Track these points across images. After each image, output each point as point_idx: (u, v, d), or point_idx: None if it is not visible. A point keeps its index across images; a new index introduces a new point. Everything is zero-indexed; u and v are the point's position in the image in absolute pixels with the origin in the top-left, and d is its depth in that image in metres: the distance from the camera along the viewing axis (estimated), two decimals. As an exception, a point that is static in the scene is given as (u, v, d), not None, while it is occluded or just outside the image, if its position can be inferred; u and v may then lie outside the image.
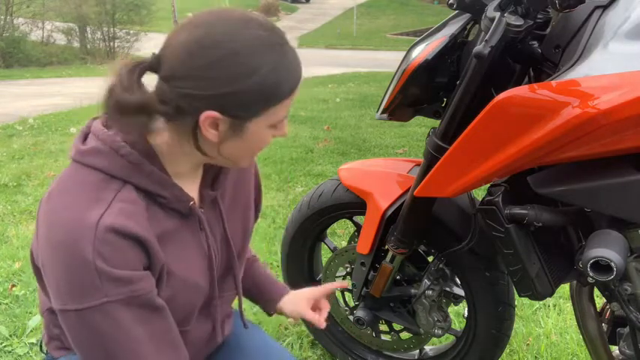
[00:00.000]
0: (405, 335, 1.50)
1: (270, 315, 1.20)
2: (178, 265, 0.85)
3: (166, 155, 0.83)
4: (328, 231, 1.73)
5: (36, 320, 1.87)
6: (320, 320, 1.15)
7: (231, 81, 0.74)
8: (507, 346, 1.51)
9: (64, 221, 0.75)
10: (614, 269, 0.87)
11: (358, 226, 1.49)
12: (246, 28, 0.76)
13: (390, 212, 1.29)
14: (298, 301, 1.16)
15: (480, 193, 1.27)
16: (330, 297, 1.59)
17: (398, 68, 1.16)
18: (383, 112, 1.23)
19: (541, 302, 1.97)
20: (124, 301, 0.76)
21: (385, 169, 1.38)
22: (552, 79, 0.88)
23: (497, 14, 0.94)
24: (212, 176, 0.93)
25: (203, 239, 0.91)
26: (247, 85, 0.75)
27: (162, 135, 0.81)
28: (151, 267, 0.81)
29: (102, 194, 0.77)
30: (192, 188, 0.90)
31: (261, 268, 1.21)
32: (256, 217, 1.09)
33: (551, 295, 1.09)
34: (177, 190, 0.84)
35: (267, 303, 1.18)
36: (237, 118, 0.78)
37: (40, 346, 1.03)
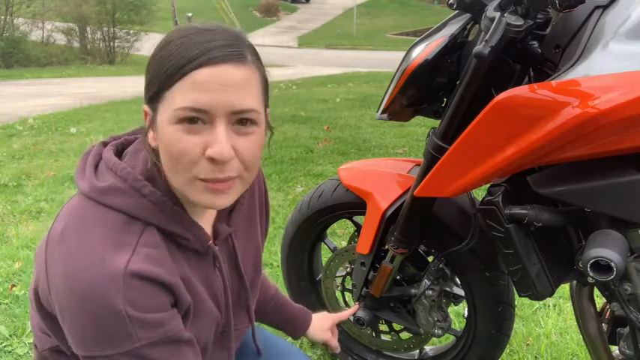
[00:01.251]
0: (405, 335, 1.50)
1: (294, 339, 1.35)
2: (194, 304, 0.82)
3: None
4: (328, 231, 1.73)
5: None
6: (337, 345, 1.37)
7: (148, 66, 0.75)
8: (507, 346, 1.51)
9: (87, 269, 0.69)
10: (614, 269, 0.87)
11: (358, 226, 1.49)
12: (196, 32, 0.73)
13: (390, 212, 1.29)
14: (324, 330, 1.33)
15: (480, 193, 1.27)
16: (331, 296, 1.59)
17: (398, 68, 1.16)
18: (383, 112, 1.23)
19: (541, 302, 1.97)
20: (157, 342, 0.73)
21: (385, 169, 1.38)
22: (552, 79, 0.88)
23: (497, 14, 0.93)
24: (227, 211, 0.91)
25: (217, 276, 0.88)
26: (150, 64, 0.74)
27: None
28: (177, 306, 0.78)
29: (124, 238, 0.72)
30: (206, 224, 0.87)
31: (280, 297, 1.27)
32: (262, 243, 1.07)
33: (551, 295, 1.08)
34: (199, 229, 0.81)
35: (293, 331, 1.30)
36: (150, 103, 0.74)
37: None
